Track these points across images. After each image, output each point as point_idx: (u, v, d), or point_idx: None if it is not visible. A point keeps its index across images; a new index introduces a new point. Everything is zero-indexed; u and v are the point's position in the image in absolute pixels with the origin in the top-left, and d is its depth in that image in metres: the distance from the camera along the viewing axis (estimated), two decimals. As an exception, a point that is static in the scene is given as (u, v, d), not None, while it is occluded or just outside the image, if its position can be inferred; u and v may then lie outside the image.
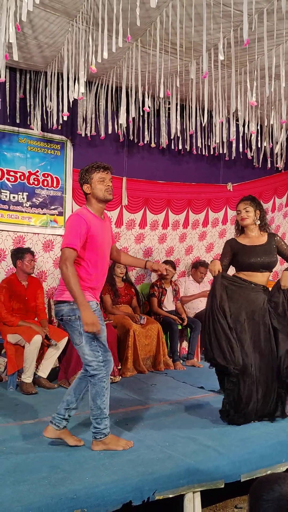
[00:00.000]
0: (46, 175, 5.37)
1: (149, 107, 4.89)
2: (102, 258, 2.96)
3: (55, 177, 5.43)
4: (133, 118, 5.20)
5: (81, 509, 2.27)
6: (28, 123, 5.22)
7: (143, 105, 4.58)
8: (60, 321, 2.95)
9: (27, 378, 4.26)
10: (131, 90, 4.60)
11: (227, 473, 2.70)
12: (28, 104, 5.18)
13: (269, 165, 6.73)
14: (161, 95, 4.16)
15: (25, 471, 2.54)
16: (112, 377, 4.66)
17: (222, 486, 2.66)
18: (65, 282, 2.75)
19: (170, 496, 2.50)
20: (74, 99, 4.34)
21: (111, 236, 3.10)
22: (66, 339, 4.49)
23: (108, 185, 2.94)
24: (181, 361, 5.49)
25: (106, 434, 2.87)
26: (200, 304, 5.88)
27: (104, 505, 2.33)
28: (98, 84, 5.33)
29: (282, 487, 1.11)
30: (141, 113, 5.55)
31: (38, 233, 5.31)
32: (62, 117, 4.65)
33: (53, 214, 5.40)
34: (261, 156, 6.55)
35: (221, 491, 2.72)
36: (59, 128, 5.22)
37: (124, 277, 5.57)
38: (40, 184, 5.33)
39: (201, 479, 2.61)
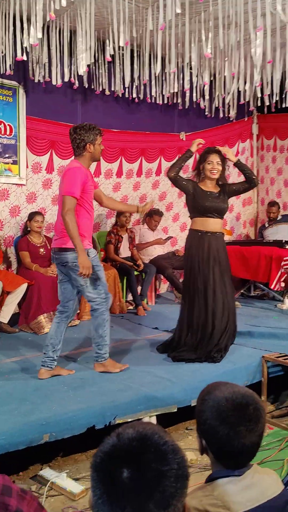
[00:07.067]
0: (-1, 122, 5.27)
1: (111, 55, 4.84)
2: (93, 207, 3.33)
3: (8, 124, 5.33)
4: (88, 65, 5.14)
5: (50, 433, 2.53)
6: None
7: (97, 52, 4.53)
8: (62, 266, 3.23)
9: (-11, 323, 4.41)
10: (85, 36, 4.53)
11: (179, 399, 3.05)
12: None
13: (221, 115, 6.86)
14: (121, 43, 4.13)
15: (-4, 405, 2.76)
16: (71, 320, 4.90)
17: (175, 410, 3.01)
18: (67, 229, 3.02)
19: (129, 420, 2.81)
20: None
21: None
22: (25, 285, 4.63)
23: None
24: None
25: (106, 358, 3.35)
26: (154, 251, 6.14)
27: (71, 429, 2.61)
28: (51, 27, 5.18)
29: (217, 392, 1.33)
30: (96, 60, 5.48)
31: (-8, 182, 5.27)
32: (14, 61, 4.53)
33: (7, 163, 5.35)
34: (214, 106, 6.66)
35: (174, 415, 3.08)
36: (11, 73, 5.08)
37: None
38: (-7, 131, 5.23)
39: (156, 405, 2.94)
